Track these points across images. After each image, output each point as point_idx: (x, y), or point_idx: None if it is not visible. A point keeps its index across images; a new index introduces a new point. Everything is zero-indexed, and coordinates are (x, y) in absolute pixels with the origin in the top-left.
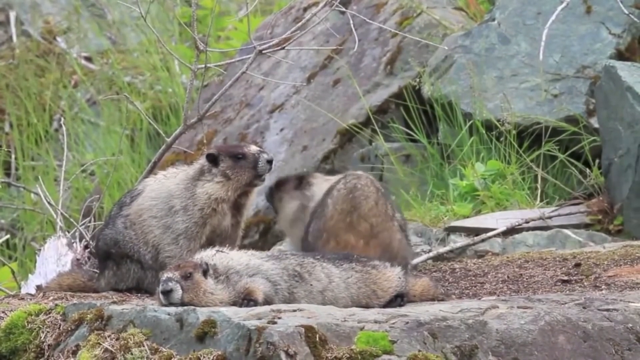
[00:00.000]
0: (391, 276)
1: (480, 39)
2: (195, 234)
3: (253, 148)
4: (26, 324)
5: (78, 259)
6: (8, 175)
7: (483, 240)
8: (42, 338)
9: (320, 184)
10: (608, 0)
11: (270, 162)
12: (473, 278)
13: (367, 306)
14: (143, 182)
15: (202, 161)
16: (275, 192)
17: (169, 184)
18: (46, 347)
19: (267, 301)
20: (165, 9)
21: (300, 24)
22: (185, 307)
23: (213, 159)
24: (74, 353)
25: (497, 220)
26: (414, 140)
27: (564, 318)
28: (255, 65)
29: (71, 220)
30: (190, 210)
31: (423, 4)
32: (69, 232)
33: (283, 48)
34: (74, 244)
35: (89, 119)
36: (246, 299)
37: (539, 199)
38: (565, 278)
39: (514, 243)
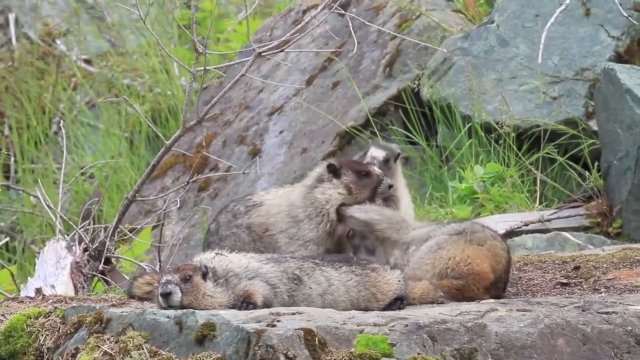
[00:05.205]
0: (391, 279)
1: (479, 41)
2: (324, 240)
3: (377, 170)
4: (25, 327)
5: (77, 262)
6: (7, 178)
7: None
8: (41, 341)
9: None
10: (607, 2)
11: (391, 187)
12: None
13: (366, 309)
14: (257, 194)
15: (320, 170)
16: None
17: (289, 197)
18: (45, 350)
19: (267, 304)
20: (164, 12)
21: (299, 26)
22: (185, 310)
23: (334, 170)
24: (74, 356)
25: (496, 223)
26: (413, 143)
27: (563, 321)
28: (255, 67)
29: (70, 223)
30: (315, 217)
31: (422, 7)
32: (68, 235)
33: (282, 50)
34: (74, 247)
35: (88, 122)
36: (245, 302)
37: (538, 201)
38: (565, 281)
39: (513, 246)
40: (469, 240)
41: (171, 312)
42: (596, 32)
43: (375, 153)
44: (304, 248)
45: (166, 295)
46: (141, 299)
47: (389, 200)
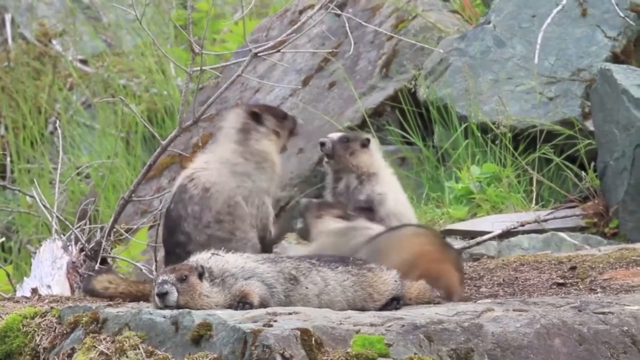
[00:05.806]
0: (387, 279)
1: (475, 41)
2: (276, 189)
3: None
4: (21, 327)
5: (73, 262)
6: (3, 178)
7: (478, 244)
8: (37, 341)
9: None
10: (603, 3)
11: (300, 125)
12: (469, 281)
13: (363, 309)
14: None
15: (240, 119)
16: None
17: (220, 156)
18: (41, 350)
19: (263, 304)
20: (160, 12)
21: (296, 26)
22: (181, 310)
23: (257, 117)
24: (70, 356)
25: (492, 224)
26: (410, 143)
27: (560, 321)
28: (251, 68)
29: (67, 223)
30: (263, 166)
31: (418, 7)
32: (64, 235)
33: (279, 51)
34: (70, 247)
35: (84, 122)
36: (242, 302)
37: (534, 202)
38: (561, 281)
39: (509, 246)
40: (384, 251)
41: (167, 312)
42: (593, 32)
43: (331, 134)
44: (261, 199)
45: (162, 295)
46: (99, 295)
47: (364, 179)
